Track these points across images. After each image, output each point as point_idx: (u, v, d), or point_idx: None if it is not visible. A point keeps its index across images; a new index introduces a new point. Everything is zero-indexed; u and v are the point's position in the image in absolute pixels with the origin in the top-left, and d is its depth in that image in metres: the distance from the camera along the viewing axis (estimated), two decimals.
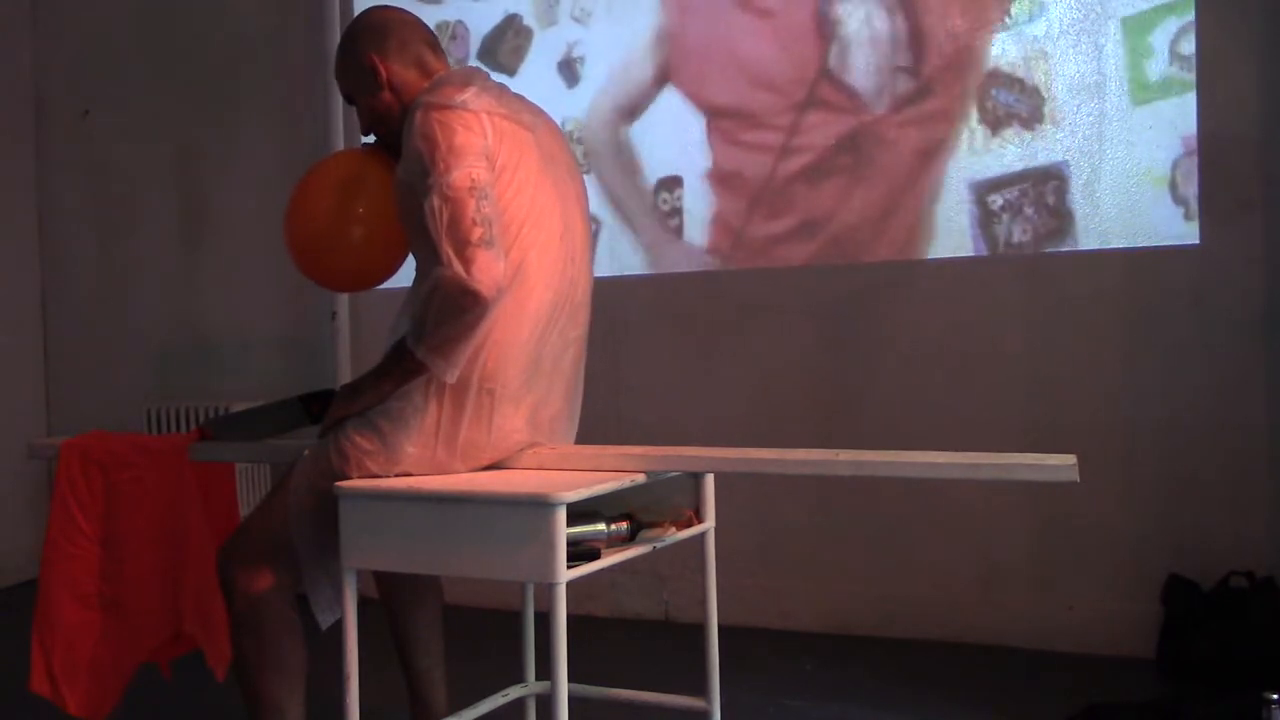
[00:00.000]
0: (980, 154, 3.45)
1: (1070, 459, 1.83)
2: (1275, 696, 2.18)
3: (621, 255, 3.93)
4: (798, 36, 3.64)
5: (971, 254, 3.47)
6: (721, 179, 3.77)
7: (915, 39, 3.50)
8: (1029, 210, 3.39)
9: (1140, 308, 3.30)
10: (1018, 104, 3.39)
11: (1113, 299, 3.33)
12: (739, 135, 3.73)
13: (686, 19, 3.81)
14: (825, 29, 3.61)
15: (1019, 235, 3.41)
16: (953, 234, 3.48)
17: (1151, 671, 3.12)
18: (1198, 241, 3.22)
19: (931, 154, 3.50)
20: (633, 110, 3.89)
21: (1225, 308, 3.20)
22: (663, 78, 3.84)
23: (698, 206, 3.81)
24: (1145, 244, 3.29)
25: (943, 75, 3.48)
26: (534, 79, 3.96)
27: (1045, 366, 3.39)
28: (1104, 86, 3.32)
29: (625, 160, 3.90)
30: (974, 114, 3.45)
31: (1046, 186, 3.38)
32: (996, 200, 3.43)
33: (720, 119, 3.77)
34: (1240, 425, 3.18)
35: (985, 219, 3.44)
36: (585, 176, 2.42)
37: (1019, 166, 3.41)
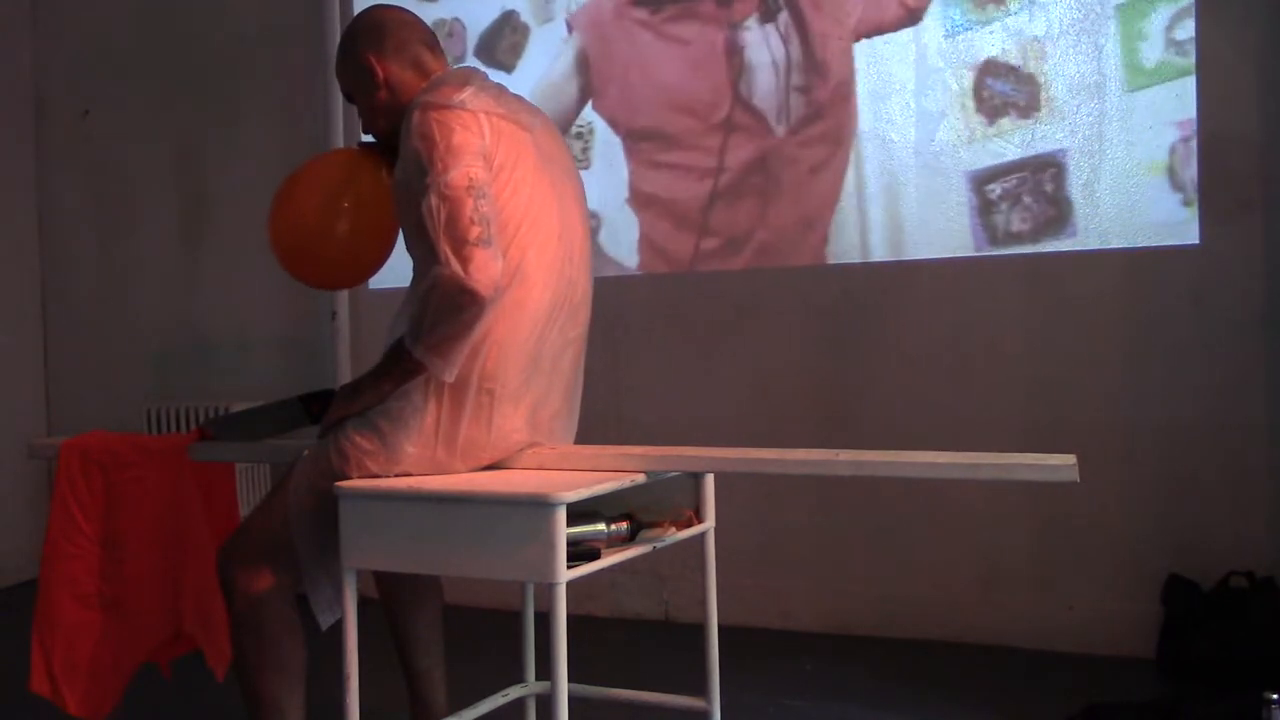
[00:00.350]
0: (978, 144, 3.45)
1: (1070, 459, 1.83)
2: (1275, 696, 2.17)
3: (622, 255, 3.93)
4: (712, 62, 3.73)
5: (971, 247, 3.47)
6: (642, 201, 3.84)
7: (809, 63, 3.61)
8: (1027, 199, 3.39)
9: (1140, 308, 3.30)
10: (1014, 93, 3.39)
11: (1113, 299, 3.33)
12: (658, 157, 3.81)
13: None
14: (734, 55, 3.69)
15: (1018, 224, 3.41)
16: (954, 233, 3.49)
17: (1151, 671, 3.12)
18: (1198, 241, 3.22)
19: (821, 170, 3.61)
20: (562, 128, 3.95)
21: (1225, 308, 3.20)
22: (584, 98, 3.93)
23: (623, 227, 3.87)
24: (1145, 244, 3.29)
25: (831, 98, 3.59)
26: (531, 75, 3.97)
27: (1045, 366, 3.39)
28: (1104, 85, 3.32)
29: None
30: (970, 104, 3.45)
31: (1045, 175, 3.38)
32: (995, 190, 3.43)
33: (639, 141, 3.84)
34: (1240, 425, 3.18)
35: (984, 209, 3.44)
36: None
37: (1016, 155, 3.41)
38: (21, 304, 4.89)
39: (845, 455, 1.96)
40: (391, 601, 2.42)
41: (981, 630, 3.42)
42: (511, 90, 2.21)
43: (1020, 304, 3.43)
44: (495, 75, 3.77)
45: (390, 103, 2.19)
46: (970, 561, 3.47)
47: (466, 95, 2.01)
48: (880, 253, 3.59)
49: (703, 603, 2.28)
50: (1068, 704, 2.77)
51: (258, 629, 2.11)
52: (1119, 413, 3.30)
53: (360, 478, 2.04)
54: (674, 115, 3.79)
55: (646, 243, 3.85)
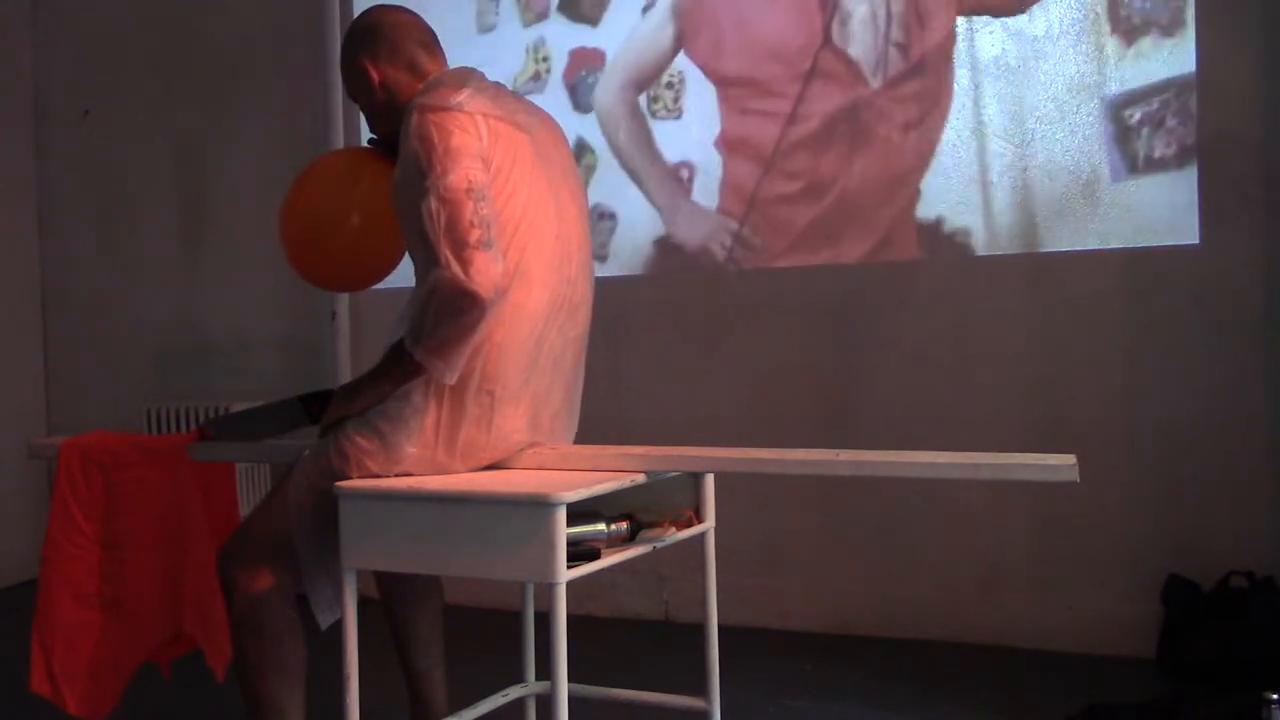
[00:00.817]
0: (1113, 67, 3.31)
1: (1070, 459, 1.83)
2: (1275, 696, 2.17)
3: (622, 255, 3.94)
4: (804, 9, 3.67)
5: (1108, 179, 3.31)
6: (730, 145, 3.78)
7: (910, 18, 3.54)
8: (1172, 122, 3.24)
9: (1140, 308, 3.30)
10: (1156, 10, 3.25)
11: (1113, 299, 3.33)
12: (748, 104, 3.75)
13: None
14: (828, 4, 3.64)
15: (1161, 149, 3.27)
16: (1088, 165, 3.32)
17: (1151, 671, 3.12)
18: (1198, 241, 3.22)
19: (914, 128, 3.53)
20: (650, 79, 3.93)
21: (1225, 308, 3.20)
22: (676, 47, 3.89)
23: (710, 170, 3.83)
24: (1145, 244, 3.29)
25: (932, 57, 3.51)
26: (618, 27, 3.93)
27: (1045, 366, 3.39)
28: (1104, 86, 3.32)
29: (639, 128, 3.93)
30: (1105, 26, 3.32)
31: (1191, 96, 3.23)
32: (1134, 114, 3.28)
33: (730, 88, 3.79)
34: (1241, 425, 3.18)
35: (1122, 136, 3.30)
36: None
37: (1159, 77, 3.25)
38: (21, 304, 4.89)
39: (845, 455, 1.96)
40: (391, 601, 2.42)
41: (981, 630, 3.42)
42: (510, 91, 2.21)
43: (1021, 304, 3.43)
44: (580, 30, 3.76)
45: (388, 105, 2.19)
46: (970, 561, 3.47)
47: (463, 97, 2.01)
48: (999, 204, 3.45)
49: (703, 603, 2.28)
50: (1068, 704, 2.76)
51: (258, 629, 2.11)
52: (1119, 413, 3.30)
53: (360, 478, 2.04)
54: (764, 62, 3.72)
55: (729, 186, 3.79)
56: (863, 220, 3.61)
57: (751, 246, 3.76)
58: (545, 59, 4.03)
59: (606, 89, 3.95)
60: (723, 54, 3.79)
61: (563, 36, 4.01)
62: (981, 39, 3.45)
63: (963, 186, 3.48)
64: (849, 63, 3.59)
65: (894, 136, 3.55)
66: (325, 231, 2.30)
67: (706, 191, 3.82)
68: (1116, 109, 3.31)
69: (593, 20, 3.97)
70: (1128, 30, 3.29)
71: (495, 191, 1.99)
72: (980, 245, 3.48)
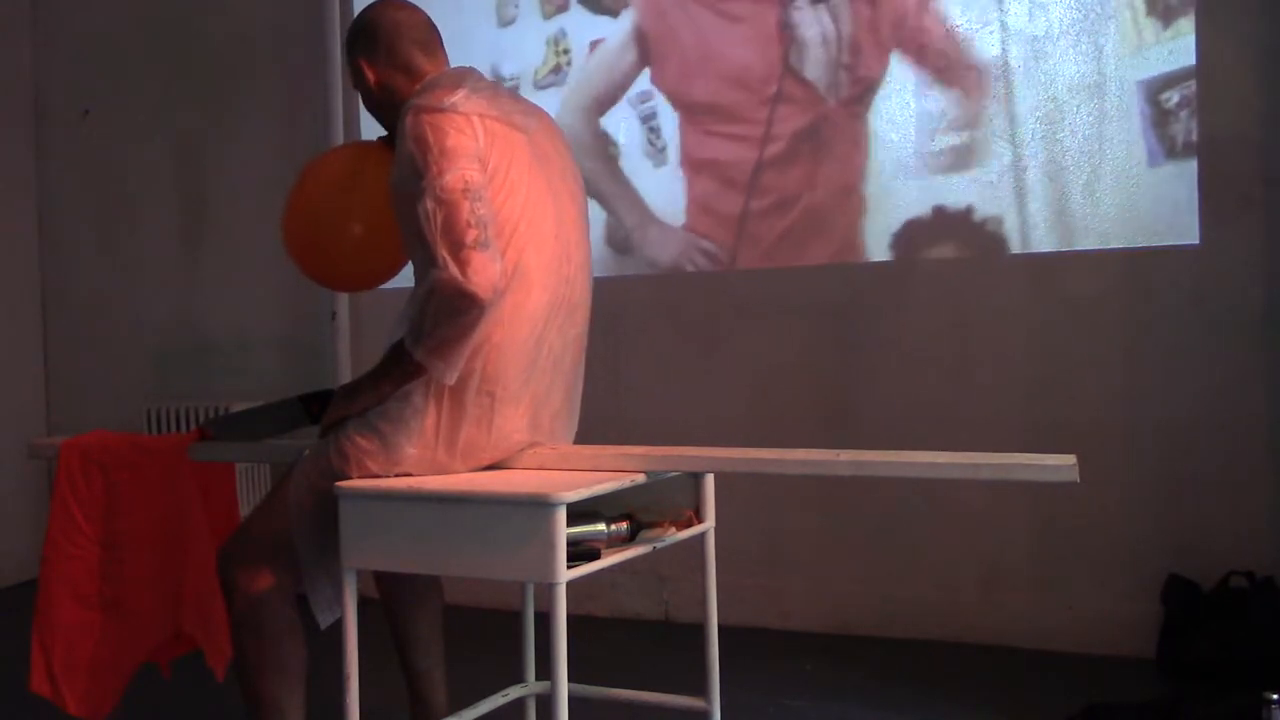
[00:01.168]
0: (1148, 49, 3.27)
1: (1070, 459, 1.83)
2: (1275, 696, 2.17)
3: (622, 255, 3.93)
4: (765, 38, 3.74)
5: (1145, 161, 3.29)
6: (695, 166, 3.83)
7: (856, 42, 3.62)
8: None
9: (1140, 308, 3.30)
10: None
11: (1113, 299, 3.33)
12: (713, 128, 3.81)
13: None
14: (786, 31, 3.69)
15: (1184, 136, 3.25)
16: (1125, 150, 3.29)
17: (1151, 671, 3.12)
18: (1198, 241, 3.22)
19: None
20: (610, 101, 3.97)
21: (1225, 308, 3.20)
22: (636, 70, 3.93)
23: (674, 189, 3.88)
24: (1145, 244, 3.29)
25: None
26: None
27: (1045, 366, 3.39)
28: (1104, 86, 3.32)
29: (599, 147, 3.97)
30: (1141, 5, 3.29)
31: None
32: (1171, 98, 3.26)
33: (696, 113, 3.84)
34: (1240, 425, 3.18)
35: (1159, 119, 3.28)
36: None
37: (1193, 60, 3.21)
38: (21, 304, 4.89)
39: (845, 455, 1.96)
40: (391, 601, 2.42)
41: (981, 630, 3.42)
42: (508, 90, 2.21)
43: (1020, 304, 3.43)
44: (601, 21, 3.78)
45: (386, 103, 2.20)
46: (970, 561, 3.47)
47: (458, 98, 2.01)
48: (999, 204, 3.45)
49: (703, 603, 2.28)
50: (1068, 704, 2.77)
51: (258, 629, 2.11)
52: (1119, 413, 3.30)
53: (360, 478, 2.04)
54: (729, 89, 3.77)
55: (696, 204, 3.84)
56: (827, 228, 3.68)
57: (719, 261, 3.82)
58: (566, 51, 4.03)
59: (568, 110, 3.96)
60: (690, 80, 3.84)
61: (583, 28, 4.00)
62: (981, 39, 3.45)
63: (963, 186, 3.48)
64: (807, 85, 3.67)
65: (850, 151, 3.63)
66: (329, 233, 2.30)
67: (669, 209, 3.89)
68: (1153, 93, 3.29)
69: (613, 12, 3.97)
70: (1164, 11, 3.27)
71: (492, 192, 1.99)
72: (980, 245, 3.48)
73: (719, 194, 3.81)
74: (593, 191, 3.87)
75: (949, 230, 3.51)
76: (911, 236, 3.55)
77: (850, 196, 3.63)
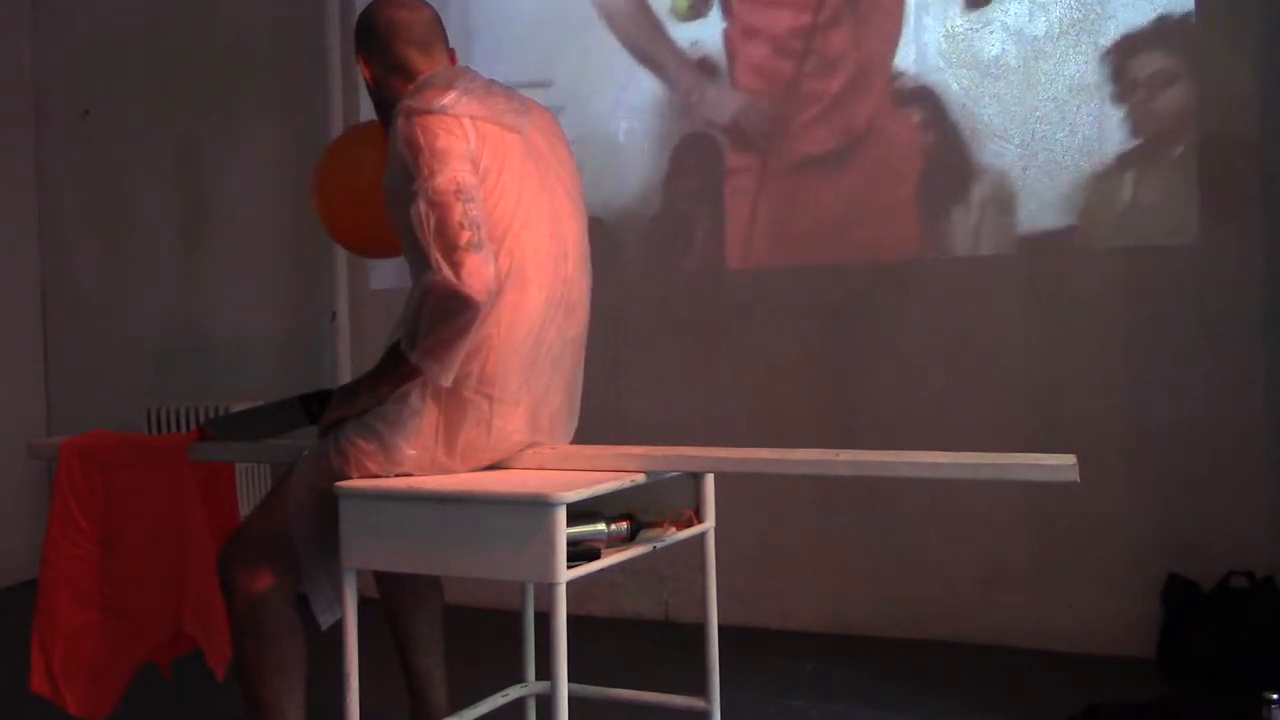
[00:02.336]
0: (1149, 49, 3.27)
1: (1070, 459, 1.83)
2: (1275, 696, 2.17)
3: (623, 255, 3.93)
4: None
5: (1142, 156, 3.30)
6: (746, 33, 3.76)
7: None
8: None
9: (1140, 307, 3.30)
10: None
11: (1113, 299, 3.33)
12: None
13: None
14: None
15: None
16: None
17: (1151, 671, 3.12)
18: (1197, 241, 3.22)
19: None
20: None
21: (1225, 307, 3.20)
22: None
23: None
24: (1145, 244, 3.29)
25: None
26: None
27: (1046, 366, 3.38)
28: (1104, 86, 3.32)
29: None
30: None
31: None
32: (1171, 97, 3.26)
33: None
34: (1241, 425, 3.18)
35: (1159, 118, 3.28)
36: None
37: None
38: (21, 304, 4.89)
39: (845, 455, 1.96)
40: (391, 601, 2.42)
41: (981, 630, 3.42)
42: (502, 86, 2.19)
43: (1020, 304, 3.43)
44: None
45: (383, 100, 2.20)
46: (970, 561, 3.47)
47: (449, 99, 2.01)
48: (999, 204, 3.44)
49: (703, 603, 2.28)
50: (1068, 704, 2.76)
51: (258, 629, 2.11)
52: (1119, 413, 3.30)
53: (360, 478, 2.04)
54: None
55: (746, 66, 3.77)
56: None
57: (766, 127, 3.73)
58: None
59: None
60: None
61: None
62: (982, 39, 3.45)
63: (962, 187, 3.48)
64: None
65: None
66: (366, 185, 2.26)
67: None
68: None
69: None
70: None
71: (485, 194, 1.99)
72: (980, 245, 3.48)
73: (769, 57, 3.72)
74: (642, 60, 3.87)
75: (949, 230, 3.52)
76: (911, 236, 3.55)
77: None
